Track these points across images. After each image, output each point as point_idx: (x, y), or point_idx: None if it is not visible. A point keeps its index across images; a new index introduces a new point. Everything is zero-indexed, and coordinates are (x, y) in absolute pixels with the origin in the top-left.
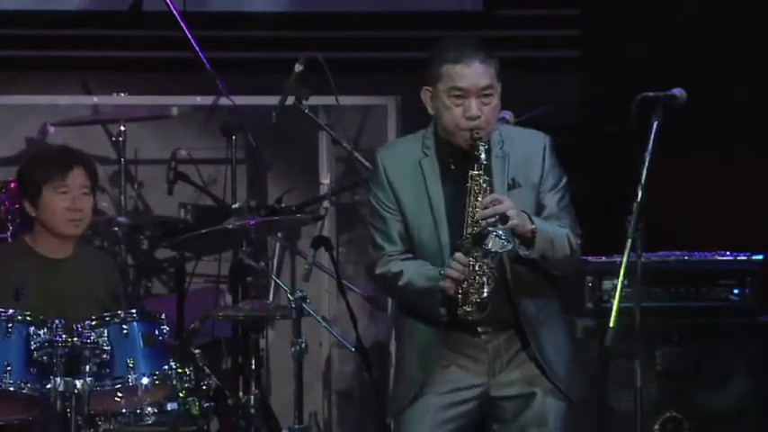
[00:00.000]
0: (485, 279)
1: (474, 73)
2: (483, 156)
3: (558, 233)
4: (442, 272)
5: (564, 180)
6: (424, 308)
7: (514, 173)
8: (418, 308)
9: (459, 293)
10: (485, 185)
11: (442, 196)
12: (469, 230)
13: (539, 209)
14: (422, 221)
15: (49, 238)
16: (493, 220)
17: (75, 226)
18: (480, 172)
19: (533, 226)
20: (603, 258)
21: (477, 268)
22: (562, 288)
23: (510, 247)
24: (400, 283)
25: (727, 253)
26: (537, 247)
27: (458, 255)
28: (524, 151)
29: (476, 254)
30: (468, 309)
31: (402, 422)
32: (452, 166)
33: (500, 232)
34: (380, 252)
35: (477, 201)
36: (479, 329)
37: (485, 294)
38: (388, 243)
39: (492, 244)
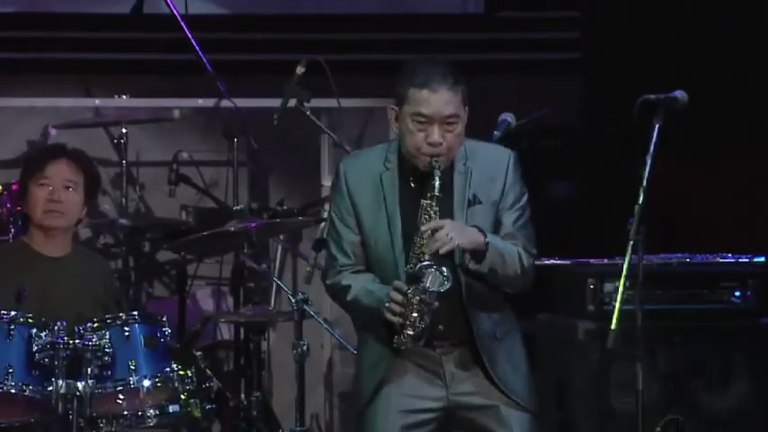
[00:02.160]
0: (422, 312)
1: (439, 101)
2: (438, 185)
3: (509, 250)
4: (386, 303)
5: (524, 198)
6: (370, 324)
7: (476, 189)
8: (365, 323)
9: (397, 321)
10: (434, 216)
11: (399, 212)
12: (415, 260)
13: (497, 226)
14: (379, 235)
15: (42, 235)
16: (437, 247)
17: (52, 217)
18: (431, 203)
19: (486, 239)
20: (605, 261)
21: (415, 301)
22: (561, 291)
23: (449, 284)
24: (348, 297)
25: (729, 255)
26: (488, 260)
27: (397, 283)
28: (487, 168)
29: (415, 287)
30: (402, 339)
31: (362, 421)
32: (412, 184)
33: (443, 268)
34: (333, 262)
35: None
36: (435, 344)
37: (419, 327)
38: (341, 254)
39: (430, 281)
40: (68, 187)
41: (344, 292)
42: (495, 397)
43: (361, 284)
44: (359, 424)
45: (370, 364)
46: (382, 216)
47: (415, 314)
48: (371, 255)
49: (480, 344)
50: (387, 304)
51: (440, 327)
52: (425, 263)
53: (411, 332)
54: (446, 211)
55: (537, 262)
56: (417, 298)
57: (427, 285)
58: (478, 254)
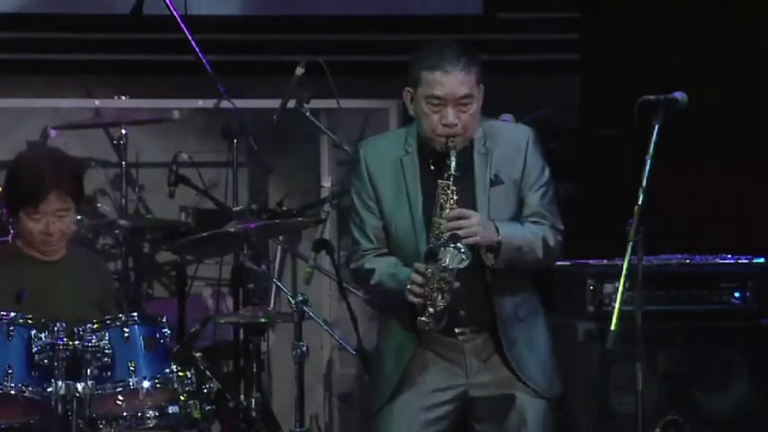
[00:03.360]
0: (443, 291)
1: (452, 81)
2: (453, 165)
3: (528, 238)
4: (407, 285)
5: (546, 175)
6: (394, 308)
7: (497, 169)
8: (389, 307)
9: (418, 302)
10: (452, 195)
11: (420, 195)
12: (434, 239)
13: (520, 205)
14: (400, 219)
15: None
16: (456, 231)
17: (49, 246)
18: (449, 182)
19: (499, 237)
20: (605, 261)
21: (435, 280)
22: (561, 292)
23: (468, 262)
24: (372, 281)
25: (729, 256)
26: (502, 256)
27: (417, 265)
28: (507, 147)
29: (434, 266)
30: (424, 319)
31: (381, 419)
32: (432, 167)
33: (460, 246)
34: (356, 247)
35: (442, 210)
36: (457, 330)
37: (440, 306)
38: (364, 239)
39: (449, 259)
40: (61, 216)
41: (368, 275)
42: (511, 386)
43: (384, 268)
44: (379, 418)
45: (393, 347)
46: (403, 200)
47: (435, 293)
48: (392, 239)
49: (501, 327)
50: (408, 286)
51: (461, 312)
52: (443, 241)
53: (432, 311)
54: (468, 193)
55: None
56: (437, 277)
57: (446, 263)
58: (493, 250)
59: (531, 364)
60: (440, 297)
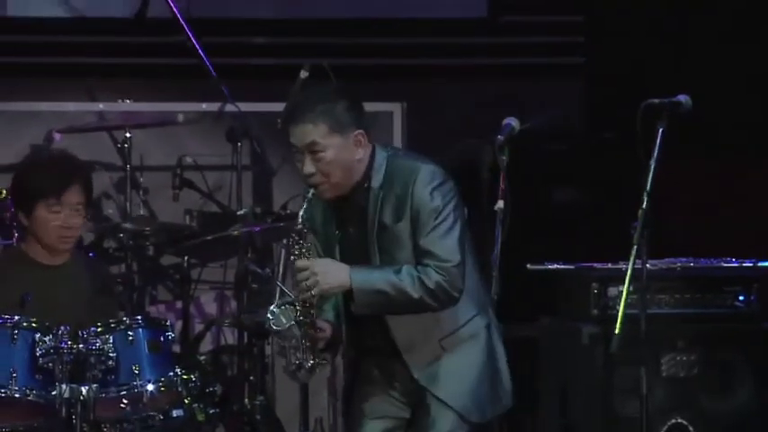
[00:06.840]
0: (305, 348)
1: (299, 132)
2: (300, 219)
3: (392, 280)
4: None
5: (440, 210)
6: None
7: (386, 212)
8: None
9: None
10: (304, 252)
11: (337, 239)
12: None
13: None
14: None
15: (41, 248)
16: (300, 291)
17: (65, 242)
18: (296, 237)
19: (350, 283)
20: (609, 265)
21: (293, 341)
22: (564, 295)
23: (287, 325)
24: None
25: (733, 260)
26: (359, 303)
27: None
28: (398, 187)
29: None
30: (297, 373)
31: (346, 421)
32: (339, 213)
33: (273, 309)
34: None
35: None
36: (379, 352)
37: (309, 363)
38: None
39: (284, 319)
40: (77, 211)
41: None
42: (427, 398)
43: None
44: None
45: (347, 362)
46: (331, 245)
47: (299, 353)
48: None
49: (407, 357)
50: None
51: (367, 341)
52: (279, 301)
53: (308, 365)
54: (362, 237)
55: (540, 266)
56: (293, 335)
57: (282, 324)
58: (350, 294)
59: (452, 388)
60: (309, 353)
